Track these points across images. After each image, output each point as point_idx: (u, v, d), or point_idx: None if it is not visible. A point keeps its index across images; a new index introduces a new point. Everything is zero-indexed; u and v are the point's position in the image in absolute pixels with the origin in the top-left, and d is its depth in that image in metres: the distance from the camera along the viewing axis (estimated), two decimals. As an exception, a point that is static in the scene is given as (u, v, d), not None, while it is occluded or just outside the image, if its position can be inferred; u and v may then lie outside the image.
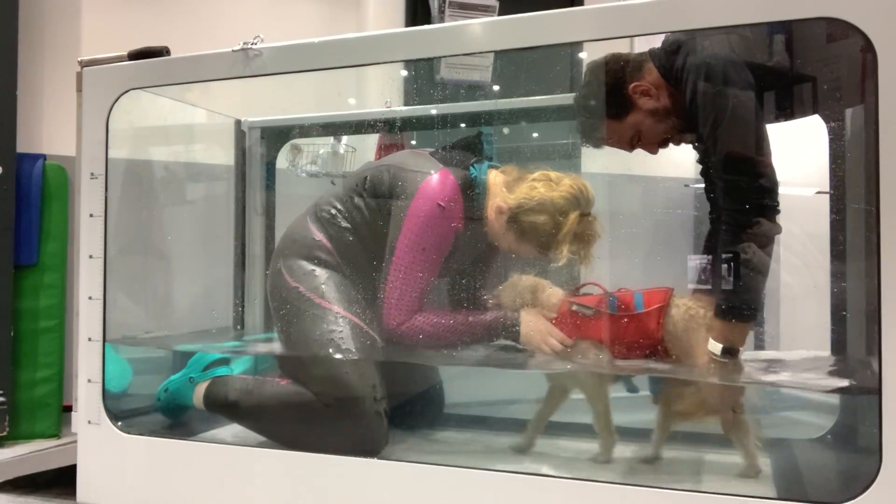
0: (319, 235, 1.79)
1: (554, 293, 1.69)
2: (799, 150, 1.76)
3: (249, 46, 1.63)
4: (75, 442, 1.77)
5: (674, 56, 1.57)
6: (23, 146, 2.42)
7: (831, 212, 1.66)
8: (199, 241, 2.39)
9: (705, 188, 1.69)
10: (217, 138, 2.38)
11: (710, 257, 1.59)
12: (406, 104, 2.09)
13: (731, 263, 1.47)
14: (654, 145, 1.69)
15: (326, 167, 2.31)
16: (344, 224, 1.79)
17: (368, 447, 1.62)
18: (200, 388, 1.87)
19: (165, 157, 2.28)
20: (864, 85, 1.30)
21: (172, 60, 1.73)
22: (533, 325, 1.66)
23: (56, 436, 2.30)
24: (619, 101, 1.64)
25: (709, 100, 1.50)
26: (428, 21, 3.35)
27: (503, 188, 1.72)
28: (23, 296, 2.30)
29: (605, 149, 1.73)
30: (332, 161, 2.32)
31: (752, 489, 1.48)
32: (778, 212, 1.47)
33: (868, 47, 1.21)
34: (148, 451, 1.71)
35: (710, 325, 1.54)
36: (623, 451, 1.69)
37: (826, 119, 1.65)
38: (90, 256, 1.75)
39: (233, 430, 1.86)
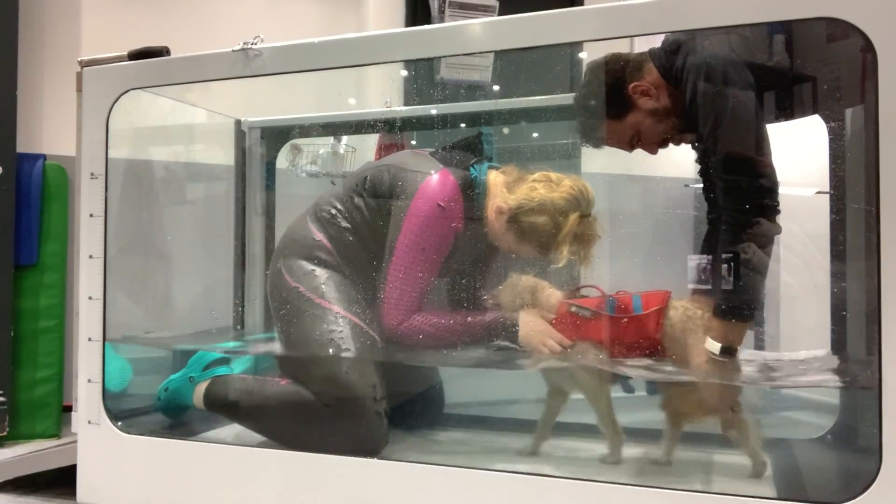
0: (319, 235, 1.79)
1: (553, 294, 1.68)
2: (799, 150, 1.76)
3: (249, 46, 1.63)
4: (75, 442, 1.77)
5: (674, 56, 1.57)
6: (23, 146, 2.43)
7: (831, 212, 1.65)
8: (199, 242, 2.39)
9: (705, 188, 1.69)
10: (217, 138, 2.38)
11: (709, 257, 1.59)
12: (406, 104, 2.09)
13: (731, 263, 1.47)
14: (653, 145, 1.69)
15: (326, 167, 2.31)
16: (344, 224, 1.79)
17: (368, 447, 1.62)
18: (200, 388, 1.87)
19: (165, 157, 2.28)
20: (864, 85, 1.30)
21: (172, 60, 1.74)
22: (532, 325, 1.65)
23: (56, 436, 2.31)
24: (619, 101, 1.64)
25: (709, 100, 1.50)
26: (428, 21, 3.35)
27: (503, 189, 1.72)
28: (23, 296, 2.30)
29: (604, 149, 1.73)
30: (332, 161, 2.32)
31: (751, 489, 1.48)
32: (778, 212, 1.47)
33: (868, 47, 1.21)
34: (148, 451, 1.71)
35: (709, 324, 1.54)
36: (626, 452, 1.69)
37: (826, 119, 1.65)
38: (90, 256, 1.75)
39: (233, 430, 1.86)
